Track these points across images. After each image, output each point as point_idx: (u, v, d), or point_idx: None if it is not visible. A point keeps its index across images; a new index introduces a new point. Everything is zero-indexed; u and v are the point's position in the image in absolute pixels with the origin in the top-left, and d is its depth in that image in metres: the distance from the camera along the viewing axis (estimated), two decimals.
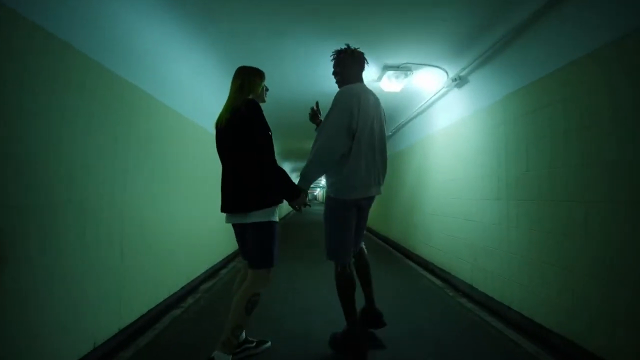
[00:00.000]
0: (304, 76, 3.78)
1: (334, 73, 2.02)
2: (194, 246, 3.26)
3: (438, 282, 3.54)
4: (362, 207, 1.93)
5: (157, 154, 2.49)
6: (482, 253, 2.91)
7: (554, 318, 2.05)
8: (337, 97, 1.80)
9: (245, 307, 1.60)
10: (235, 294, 1.70)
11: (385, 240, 6.45)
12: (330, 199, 1.89)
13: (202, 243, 3.50)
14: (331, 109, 1.78)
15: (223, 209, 1.73)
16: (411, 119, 4.78)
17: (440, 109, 3.83)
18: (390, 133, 5.71)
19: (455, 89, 3.39)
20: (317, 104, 2.17)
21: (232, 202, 1.66)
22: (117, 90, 1.97)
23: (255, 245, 1.65)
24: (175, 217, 2.81)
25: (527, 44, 2.28)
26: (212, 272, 3.75)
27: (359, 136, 1.75)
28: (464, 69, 3.03)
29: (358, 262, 2.12)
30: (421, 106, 4.15)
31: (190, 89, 3.19)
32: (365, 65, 2.03)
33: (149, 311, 2.32)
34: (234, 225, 1.76)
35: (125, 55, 2.06)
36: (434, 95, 3.71)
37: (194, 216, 3.26)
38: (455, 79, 3.22)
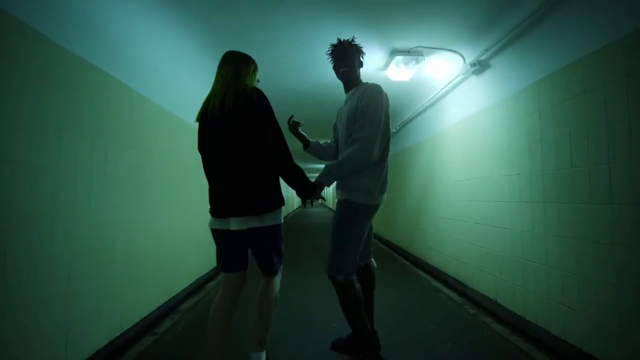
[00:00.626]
0: (301, 59, 3.35)
1: (343, 69, 1.76)
2: (174, 258, 2.82)
3: (455, 296, 3.11)
4: (373, 216, 1.76)
5: (121, 147, 2.06)
6: (510, 265, 2.49)
7: (609, 350, 1.63)
8: (375, 97, 1.62)
9: (274, 309, 1.64)
10: (217, 317, 1.50)
11: (388, 244, 6.03)
12: (356, 205, 1.65)
13: (185, 253, 3.06)
14: (371, 108, 1.60)
15: (221, 213, 1.46)
16: (420, 113, 4.36)
17: (454, 100, 3.41)
18: (394, 130, 5.30)
19: (473, 77, 2.98)
20: (291, 117, 1.94)
21: (239, 204, 1.42)
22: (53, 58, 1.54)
23: (274, 250, 1.57)
24: (148, 225, 2.38)
25: (569, 16, 1.88)
26: (197, 286, 3.31)
27: (387, 141, 1.67)
28: (486, 50, 2.62)
29: (364, 277, 1.88)
30: (431, 98, 3.73)
31: (164, 72, 2.76)
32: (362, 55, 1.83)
33: (108, 344, 1.87)
34: (231, 232, 1.45)
35: (72, 22, 1.63)
36: (448, 84, 3.30)
37: (173, 224, 2.82)
38: (474, 65, 2.81)
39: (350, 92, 1.79)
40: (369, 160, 1.58)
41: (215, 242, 1.54)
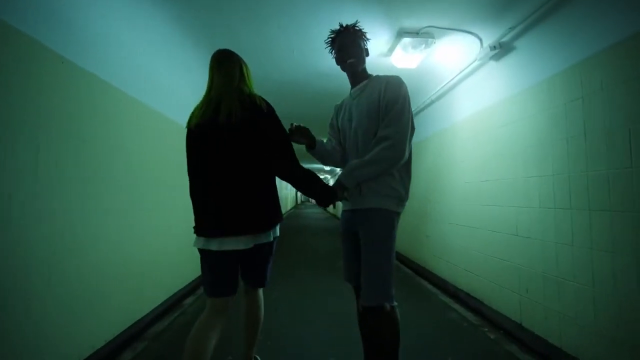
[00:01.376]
0: (295, 44, 2.93)
1: (351, 60, 1.48)
2: (146, 273, 2.37)
3: (470, 315, 2.71)
4: None
5: (87, 143, 1.61)
6: (540, 282, 2.09)
7: None
8: (402, 91, 1.40)
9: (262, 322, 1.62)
10: (198, 336, 1.29)
11: None
12: (390, 213, 1.41)
13: (157, 267, 2.62)
14: (399, 103, 1.38)
15: (213, 232, 1.30)
16: (424, 107, 3.97)
17: (467, 91, 3.01)
18: None
19: (492, 63, 2.59)
20: (293, 125, 1.53)
21: (236, 221, 1.29)
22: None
23: (267, 265, 1.50)
24: (112, 240, 1.93)
25: None
26: (171, 305, 2.86)
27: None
28: (511, 28, 2.22)
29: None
30: (439, 89, 3.33)
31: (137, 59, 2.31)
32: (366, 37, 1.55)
33: None
34: (223, 253, 1.32)
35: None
36: (460, 73, 2.90)
37: (139, 232, 2.37)
38: (494, 48, 2.42)
39: (358, 87, 1.53)
40: (400, 160, 1.37)
41: (204, 264, 1.37)
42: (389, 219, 1.40)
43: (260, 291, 1.60)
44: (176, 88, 3.02)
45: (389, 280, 1.35)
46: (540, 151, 2.10)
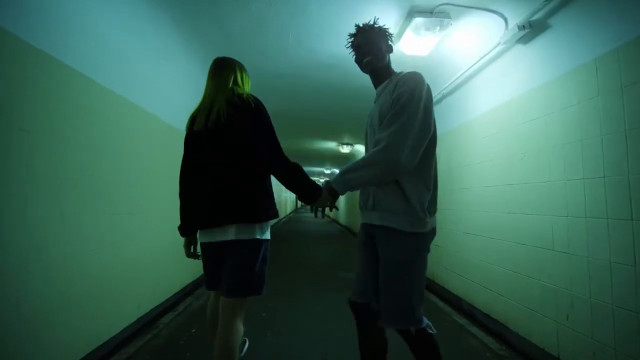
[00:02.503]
0: (292, 29, 2.57)
1: (367, 59, 1.35)
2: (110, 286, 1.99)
3: (491, 342, 2.31)
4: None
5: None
6: (585, 309, 1.70)
7: None
8: (412, 85, 1.22)
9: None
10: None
11: None
12: (400, 234, 1.22)
13: (127, 280, 2.23)
14: (404, 98, 1.20)
15: (204, 224, 1.36)
16: (436, 103, 3.56)
17: (488, 80, 2.63)
18: None
19: (519, 46, 2.21)
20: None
21: (221, 212, 1.31)
22: None
23: (248, 268, 1.32)
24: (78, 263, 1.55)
25: None
26: (144, 325, 2.47)
27: (430, 143, 1.25)
28: (546, 2, 1.85)
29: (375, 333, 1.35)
30: (455, 79, 2.95)
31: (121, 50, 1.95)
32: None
33: None
34: (211, 245, 1.38)
35: None
36: (480, 59, 2.51)
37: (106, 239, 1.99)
38: (523, 27, 2.05)
39: (380, 87, 1.39)
40: (394, 165, 1.16)
41: (203, 256, 1.46)
42: (402, 240, 1.21)
43: (237, 311, 1.30)
44: (154, 77, 2.66)
45: (408, 306, 1.20)
46: (586, 149, 1.72)
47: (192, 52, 2.84)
